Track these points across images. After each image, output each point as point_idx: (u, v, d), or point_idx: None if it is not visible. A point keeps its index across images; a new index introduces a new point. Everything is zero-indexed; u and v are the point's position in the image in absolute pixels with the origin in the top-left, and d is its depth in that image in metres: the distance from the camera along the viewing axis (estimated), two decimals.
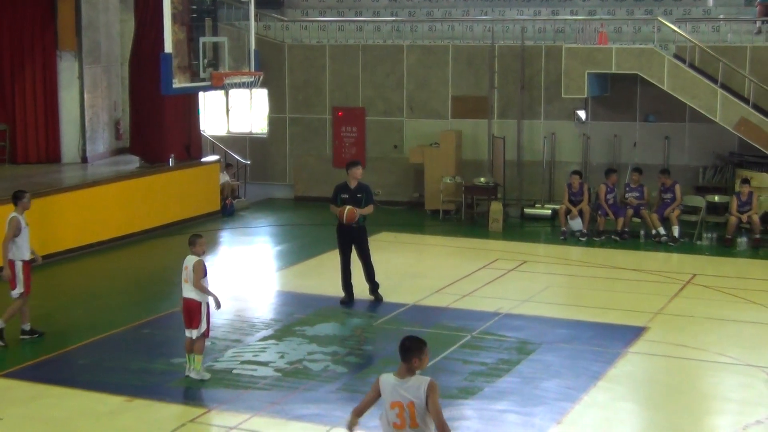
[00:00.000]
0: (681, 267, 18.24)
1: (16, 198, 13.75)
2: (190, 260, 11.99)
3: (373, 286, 15.62)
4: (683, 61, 20.85)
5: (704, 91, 20.42)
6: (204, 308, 11.99)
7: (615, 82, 22.36)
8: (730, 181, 21.47)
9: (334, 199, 15.39)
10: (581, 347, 13.35)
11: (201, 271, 11.90)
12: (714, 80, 20.54)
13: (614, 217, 20.33)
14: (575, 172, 21.01)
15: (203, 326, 11.98)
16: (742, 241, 20.02)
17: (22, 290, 13.49)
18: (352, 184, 15.35)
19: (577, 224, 20.32)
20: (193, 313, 11.95)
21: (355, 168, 15.46)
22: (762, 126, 20.07)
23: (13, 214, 13.57)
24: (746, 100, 20.42)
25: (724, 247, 19.60)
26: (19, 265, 13.48)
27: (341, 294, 15.47)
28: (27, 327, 13.73)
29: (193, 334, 11.99)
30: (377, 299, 15.54)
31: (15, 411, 11.14)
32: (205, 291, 11.94)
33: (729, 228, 19.76)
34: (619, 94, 22.58)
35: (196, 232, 12.59)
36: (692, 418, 11.14)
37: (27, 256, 13.58)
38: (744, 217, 19.65)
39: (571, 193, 20.67)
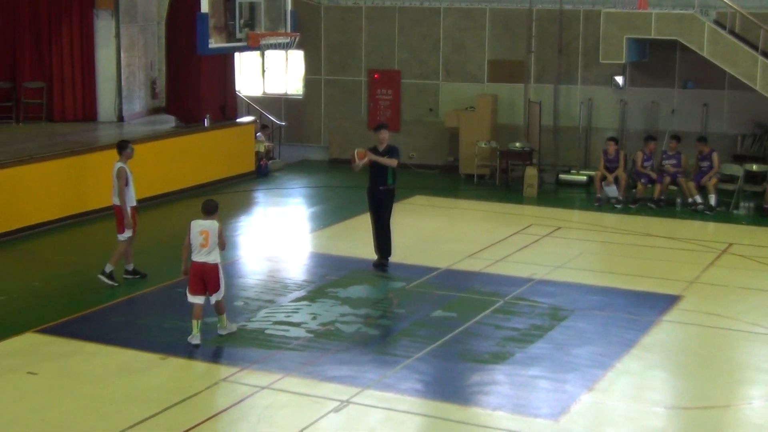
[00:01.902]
0: (717, 236, 18.11)
1: (121, 148, 14.50)
2: (210, 225, 11.96)
3: (383, 253, 15.44)
4: (724, 27, 20.57)
5: (744, 59, 20.13)
6: (220, 270, 12.04)
7: (654, 48, 22.10)
8: None
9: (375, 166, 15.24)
10: (614, 314, 13.29)
11: (221, 233, 11.96)
12: (755, 47, 20.25)
13: (651, 184, 20.19)
14: (611, 139, 20.86)
15: (222, 291, 12.02)
16: None
17: (130, 234, 14.27)
18: (381, 147, 15.31)
19: (612, 191, 20.18)
20: (209, 277, 11.95)
21: (382, 131, 15.40)
22: None
23: (120, 164, 14.24)
24: None
25: (761, 216, 19.41)
26: (128, 211, 14.22)
27: (374, 256, 15.46)
28: (130, 267, 14.48)
29: (211, 299, 12.02)
30: (382, 265, 15.36)
31: (50, 366, 11.27)
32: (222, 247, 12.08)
33: (766, 197, 19.55)
34: (658, 59, 22.33)
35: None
36: (724, 387, 11.08)
37: (134, 203, 14.38)
38: None
39: (607, 159, 20.53)
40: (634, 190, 20.40)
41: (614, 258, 16.46)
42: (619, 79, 22.59)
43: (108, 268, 14.29)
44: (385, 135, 15.40)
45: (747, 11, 20.85)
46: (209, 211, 12.09)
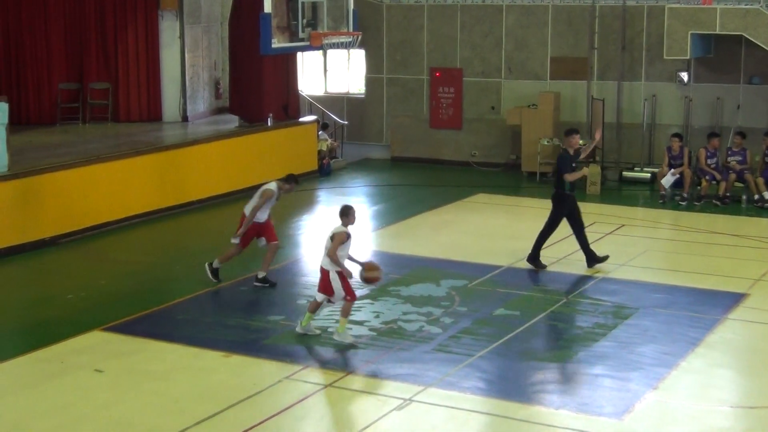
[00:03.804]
0: None
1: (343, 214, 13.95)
2: (336, 230, 11.98)
3: (587, 254, 15.26)
4: None
5: None
6: (335, 276, 11.93)
7: (718, 43, 21.84)
8: None
9: (569, 168, 15.14)
10: (678, 312, 13.17)
11: (338, 242, 11.85)
12: None
13: (715, 181, 19.95)
14: (675, 135, 20.64)
15: (338, 295, 11.96)
16: None
17: (237, 241, 14.28)
18: (572, 152, 15.30)
19: (668, 181, 19.83)
20: (323, 280, 12.04)
21: (573, 136, 15.51)
22: None
23: (271, 186, 14.19)
24: None
25: None
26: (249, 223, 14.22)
27: (435, 255, 15.45)
28: (261, 275, 14.31)
29: (326, 300, 12.13)
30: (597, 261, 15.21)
31: (115, 364, 11.43)
32: (336, 262, 11.90)
33: None
34: (723, 55, 22.05)
35: (347, 204, 12.44)
36: None
37: (261, 219, 14.27)
38: None
39: (671, 156, 20.31)
40: (698, 188, 20.16)
41: (678, 256, 16.29)
42: (684, 75, 22.34)
43: (215, 264, 14.47)
44: (574, 140, 15.46)
45: None
46: (339, 214, 12.15)
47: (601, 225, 17.98)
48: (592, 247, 15.25)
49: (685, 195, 19.99)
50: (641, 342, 12.09)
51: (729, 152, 20.42)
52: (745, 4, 21.00)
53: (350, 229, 12.13)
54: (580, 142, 22.14)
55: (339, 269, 11.92)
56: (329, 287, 11.97)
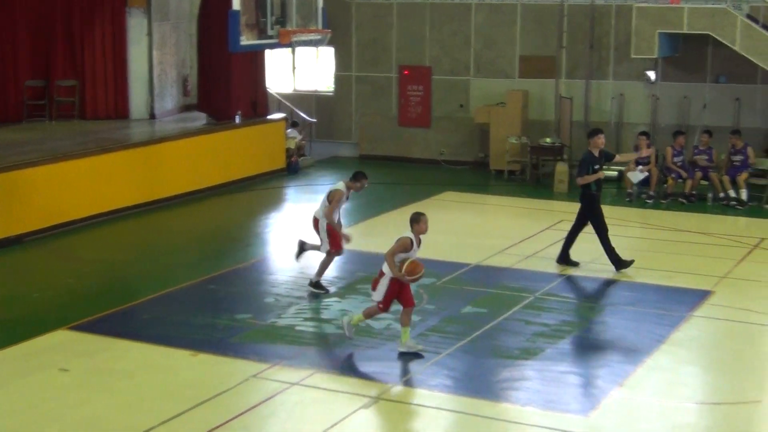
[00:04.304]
0: (749, 231, 17.99)
1: (356, 179, 14.04)
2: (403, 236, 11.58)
3: (612, 258, 15.07)
4: (756, 21, 20.42)
5: None
6: (386, 280, 11.53)
7: (686, 42, 21.97)
8: None
9: (587, 170, 14.93)
10: (645, 310, 13.24)
11: (398, 247, 11.45)
12: None
13: (681, 179, 20.08)
14: (642, 133, 20.75)
15: (377, 296, 11.58)
16: None
17: (328, 248, 13.88)
18: (596, 152, 15.08)
19: (636, 176, 19.91)
20: (377, 279, 11.67)
21: (597, 136, 15.15)
22: None
23: (339, 187, 13.86)
24: None
25: None
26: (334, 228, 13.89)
27: None
28: (315, 280, 13.98)
29: (373, 296, 11.73)
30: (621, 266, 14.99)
31: (81, 363, 11.36)
32: (390, 266, 11.48)
33: None
34: (690, 54, 22.19)
35: (419, 211, 11.94)
36: (756, 382, 11.03)
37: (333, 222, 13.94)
38: None
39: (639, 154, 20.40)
40: (665, 185, 20.28)
41: (645, 253, 16.36)
42: (651, 74, 22.47)
43: (313, 279, 14.02)
44: (599, 140, 15.10)
45: None
46: (412, 221, 11.72)
47: (568, 223, 17.95)
48: (617, 251, 15.07)
49: (652, 193, 20.10)
50: (608, 339, 12.16)
51: (695, 150, 20.56)
52: (713, 4, 21.14)
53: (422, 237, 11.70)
54: (547, 139, 22.38)
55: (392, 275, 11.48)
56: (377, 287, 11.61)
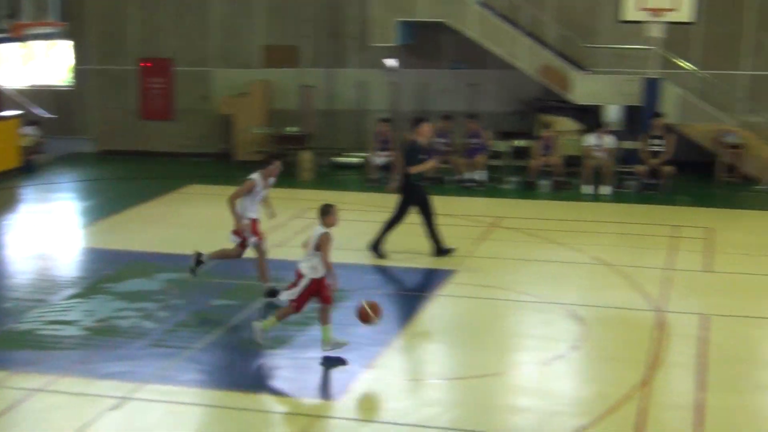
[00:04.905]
0: (487, 210, 18.68)
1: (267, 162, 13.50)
2: (317, 230, 11.28)
3: (436, 245, 15.22)
4: (490, 8, 21.20)
5: (506, 39, 20.84)
6: (304, 282, 11.21)
7: (422, 31, 22.56)
8: (534, 126, 22.06)
9: (416, 159, 14.83)
10: (392, 293, 13.53)
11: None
12: (521, 28, 20.98)
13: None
14: (383, 120, 21.17)
15: (290, 294, 11.24)
16: (546, 183, 20.60)
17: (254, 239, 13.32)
18: (423, 142, 14.97)
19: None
20: (297, 278, 11.28)
21: (421, 126, 15.00)
22: (562, 71, 20.66)
23: (254, 176, 13.34)
24: (552, 48, 20.95)
25: (528, 190, 20.16)
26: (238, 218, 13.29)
27: (148, 249, 15.14)
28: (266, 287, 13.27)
29: (284, 295, 11.38)
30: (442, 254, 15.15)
31: None
32: (327, 266, 11.21)
33: (531, 171, 20.33)
34: (427, 42, 22.81)
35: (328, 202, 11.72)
36: (498, 355, 11.46)
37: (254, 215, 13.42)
38: (546, 160, 20.28)
39: (380, 140, 20.82)
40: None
41: (390, 237, 16.69)
42: (391, 62, 22.94)
43: (265, 287, 13.31)
44: (425, 128, 14.96)
45: None
46: (320, 214, 11.48)
47: (314, 211, 18.15)
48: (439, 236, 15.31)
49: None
50: (356, 323, 12.29)
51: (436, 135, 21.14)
52: None
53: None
54: (292, 128, 22.47)
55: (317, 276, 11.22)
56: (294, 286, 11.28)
